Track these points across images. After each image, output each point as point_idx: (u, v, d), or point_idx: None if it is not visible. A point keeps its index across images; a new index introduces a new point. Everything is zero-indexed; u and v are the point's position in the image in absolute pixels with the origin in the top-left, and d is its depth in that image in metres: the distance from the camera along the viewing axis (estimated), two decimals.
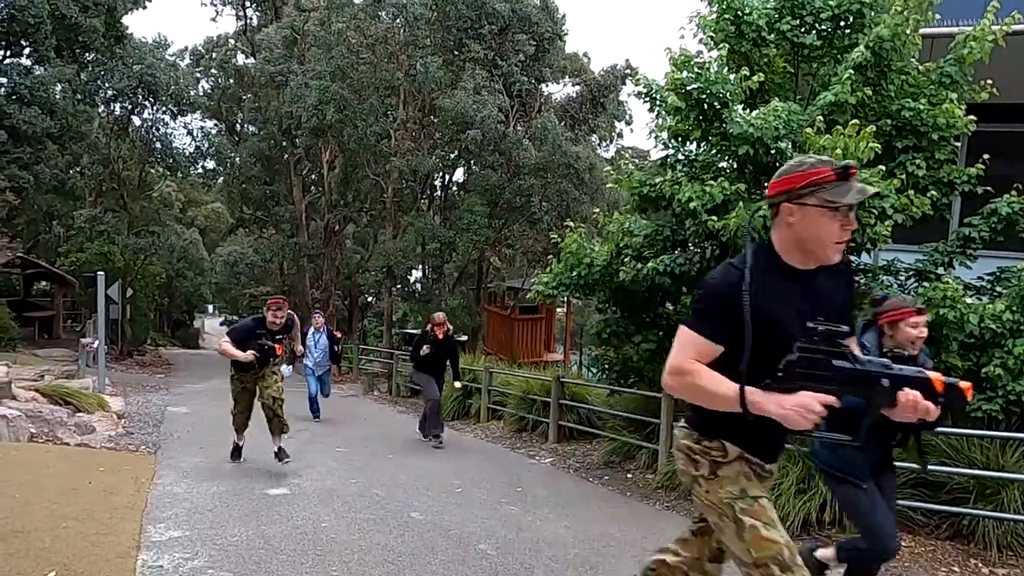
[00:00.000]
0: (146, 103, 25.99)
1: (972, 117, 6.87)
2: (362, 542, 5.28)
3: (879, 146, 6.06)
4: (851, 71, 6.46)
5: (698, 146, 7.64)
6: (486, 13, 20.95)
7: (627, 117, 28.82)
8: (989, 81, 7.06)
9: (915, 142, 6.91)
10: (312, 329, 12.08)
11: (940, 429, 6.13)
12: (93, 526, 5.17)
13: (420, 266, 24.92)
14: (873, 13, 7.02)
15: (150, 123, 27.00)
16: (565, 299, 10.25)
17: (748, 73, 6.82)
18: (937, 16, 7.18)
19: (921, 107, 6.81)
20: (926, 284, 7.00)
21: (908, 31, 6.62)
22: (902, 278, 7.48)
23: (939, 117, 6.73)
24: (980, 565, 5.33)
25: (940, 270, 7.27)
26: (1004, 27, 6.74)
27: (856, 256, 7.42)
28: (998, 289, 7.05)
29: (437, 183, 26.40)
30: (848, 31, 7.20)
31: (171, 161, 28.09)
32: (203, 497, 6.39)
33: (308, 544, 5.17)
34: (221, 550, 4.95)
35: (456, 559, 5.01)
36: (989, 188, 7.19)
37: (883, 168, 6.20)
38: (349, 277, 31.40)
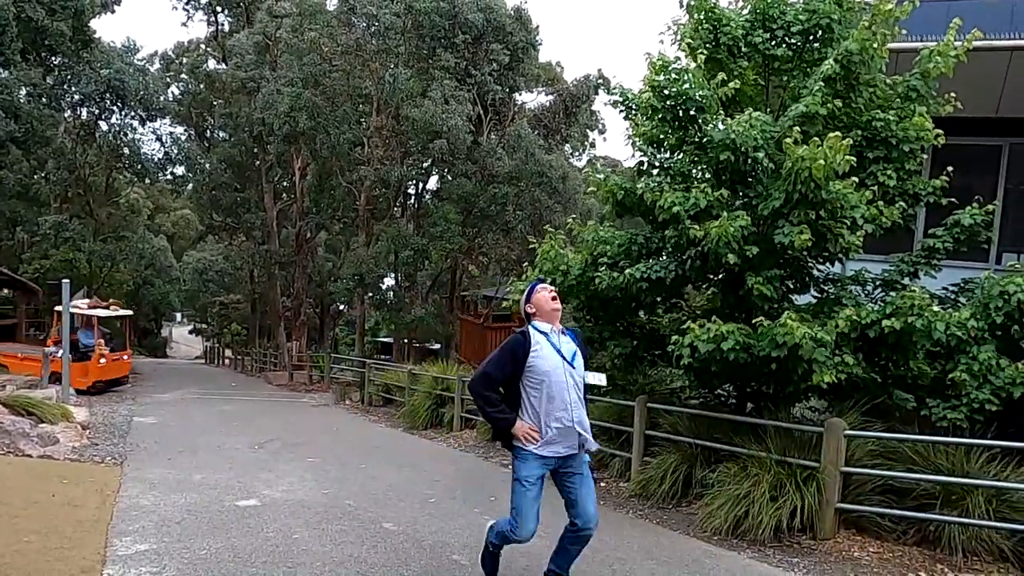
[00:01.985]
0: (114, 108, 25.60)
1: (939, 130, 7.04)
2: (334, 554, 5.22)
3: (854, 159, 6.17)
4: (821, 83, 6.58)
5: (672, 154, 7.71)
6: (459, 23, 20.98)
7: (600, 127, 29.14)
8: (953, 95, 7.24)
9: (885, 153, 7.05)
10: (548, 329, 4.29)
11: (906, 436, 6.26)
12: (56, 540, 5.05)
13: (392, 274, 24.81)
14: (841, 28, 7.16)
15: (118, 128, 26.58)
16: None
17: (725, 79, 6.90)
18: (903, 31, 7.35)
19: (890, 118, 6.96)
20: (893, 294, 7.13)
21: (876, 45, 6.76)
22: (869, 288, 7.62)
23: (909, 129, 6.89)
24: (946, 570, 5.42)
25: (906, 280, 7.42)
26: (966, 44, 6.92)
27: (828, 266, 7.55)
28: (961, 300, 7.21)
29: (411, 191, 26.34)
30: (817, 45, 7.34)
31: (139, 167, 27.68)
32: (171, 509, 6.27)
33: (279, 557, 5.09)
34: (189, 564, 4.86)
35: (430, 570, 4.98)
36: (953, 200, 7.36)
37: (855, 180, 6.32)
38: (321, 285, 31.19)
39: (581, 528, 4.24)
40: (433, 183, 25.99)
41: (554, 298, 4.31)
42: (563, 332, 4.30)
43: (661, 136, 7.45)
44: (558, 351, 4.16)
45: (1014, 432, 6.46)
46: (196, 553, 5.08)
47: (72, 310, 19.84)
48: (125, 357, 20.81)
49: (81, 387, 17.58)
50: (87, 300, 21.02)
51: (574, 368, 4.18)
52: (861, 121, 7.07)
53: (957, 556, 5.53)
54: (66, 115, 26.24)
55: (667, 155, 7.77)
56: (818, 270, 7.55)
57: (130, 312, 22.46)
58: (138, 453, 9.16)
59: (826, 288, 7.63)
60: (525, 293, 4.38)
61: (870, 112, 7.08)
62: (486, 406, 4.15)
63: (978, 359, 6.20)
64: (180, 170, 31.36)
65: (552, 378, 4.10)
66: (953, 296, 7.34)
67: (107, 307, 20.74)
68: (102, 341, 19.21)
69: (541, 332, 4.22)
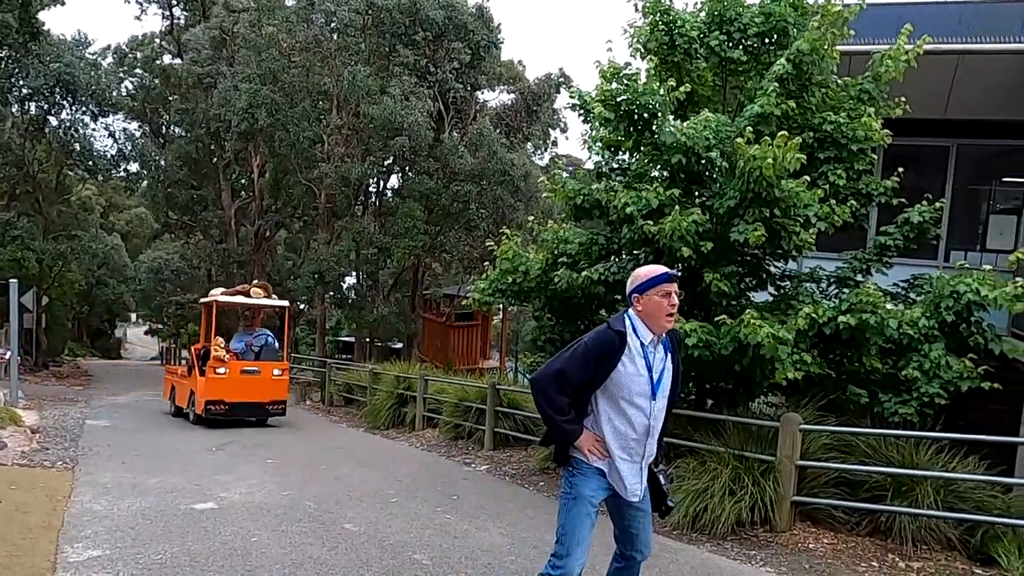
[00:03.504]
0: (64, 103, 24.85)
1: (887, 131, 7.22)
2: (293, 556, 5.15)
3: (804, 157, 6.30)
4: (775, 83, 6.71)
5: (630, 155, 7.79)
6: (420, 20, 20.86)
7: (562, 125, 29.15)
8: (903, 98, 7.43)
9: (836, 153, 7.22)
10: (648, 339, 3.37)
11: (859, 430, 6.42)
12: (4, 548, 4.90)
13: (354, 272, 24.57)
14: (797, 31, 7.31)
15: (68, 124, 25.80)
16: (501, 306, 10.26)
17: (675, 84, 7.00)
18: (853, 32, 7.53)
19: (841, 120, 7.13)
20: (846, 290, 7.30)
21: (827, 46, 6.92)
22: (824, 285, 7.79)
23: (858, 130, 7.06)
24: (897, 560, 5.57)
25: (859, 277, 7.61)
26: (917, 48, 7.11)
27: (783, 262, 7.70)
28: (912, 296, 7.42)
29: (372, 188, 26.11)
30: (773, 47, 7.47)
31: (91, 164, 26.91)
32: (125, 514, 6.13)
33: (237, 560, 5.02)
34: (144, 569, 4.75)
35: (391, 570, 4.95)
36: (903, 200, 7.57)
37: (807, 178, 6.45)
38: (280, 284, 30.74)
39: (638, 560, 3.59)
40: (395, 181, 25.82)
41: (674, 306, 3.31)
42: (660, 341, 3.38)
43: (618, 139, 7.52)
44: (649, 368, 3.31)
45: (962, 424, 6.68)
46: (151, 558, 4.97)
47: (204, 300, 14.17)
48: (276, 372, 12.88)
49: (199, 410, 12.40)
50: (220, 289, 14.46)
51: (659, 389, 3.35)
52: (813, 122, 7.23)
53: (907, 546, 5.69)
54: (13, 110, 25.39)
55: (625, 157, 7.85)
56: (774, 267, 7.70)
57: (285, 303, 14.21)
58: (91, 457, 8.93)
59: (783, 285, 7.78)
60: (641, 279, 3.34)
61: (822, 113, 7.25)
62: (552, 411, 3.30)
63: (929, 357, 6.37)
64: (134, 167, 30.58)
65: (632, 399, 3.31)
66: (904, 292, 7.55)
67: (246, 294, 13.33)
68: (220, 340, 12.66)
69: (639, 340, 3.32)
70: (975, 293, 6.29)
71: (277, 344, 13.42)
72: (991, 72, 9.04)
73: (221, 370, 12.32)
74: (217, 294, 13.62)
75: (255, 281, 14.47)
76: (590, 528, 3.36)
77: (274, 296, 14.01)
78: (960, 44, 8.86)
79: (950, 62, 8.95)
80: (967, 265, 6.92)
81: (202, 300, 14.47)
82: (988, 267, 6.63)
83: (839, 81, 7.53)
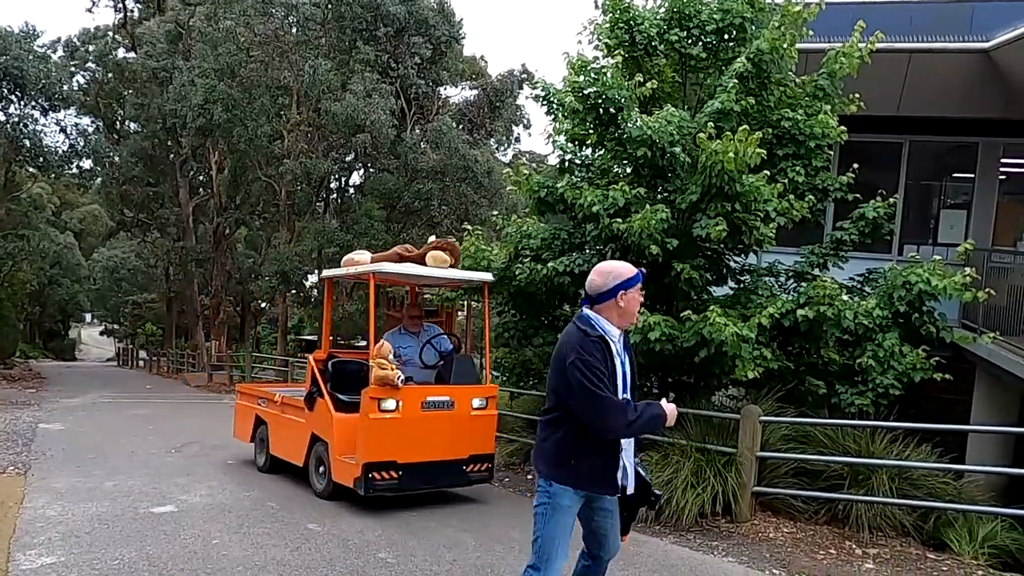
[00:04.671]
0: (12, 97, 24.08)
1: (843, 128, 7.38)
2: (256, 558, 5.08)
3: (764, 152, 6.41)
4: (735, 80, 6.80)
5: (594, 151, 7.83)
6: (381, 15, 20.69)
7: (525, 121, 29.22)
8: (857, 95, 7.59)
9: (794, 150, 7.36)
10: (617, 335, 3.27)
11: (817, 420, 6.56)
12: None
13: (317, 271, 24.32)
14: (754, 27, 7.42)
15: (17, 119, 25.04)
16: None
17: (642, 80, 7.06)
18: (811, 32, 7.67)
19: (799, 117, 7.26)
20: (804, 284, 7.45)
21: (786, 45, 7.04)
22: (782, 279, 7.93)
23: (815, 127, 7.19)
24: (854, 547, 5.70)
25: (816, 271, 7.77)
26: (870, 45, 7.29)
27: (743, 257, 7.82)
28: (866, 289, 7.60)
29: (333, 185, 25.84)
30: (732, 43, 7.57)
31: (42, 160, 26.15)
32: (80, 519, 5.98)
33: (198, 563, 4.93)
34: (100, 575, 4.65)
35: (356, 570, 4.91)
36: (859, 195, 7.74)
37: (767, 174, 6.56)
38: (241, 282, 30.32)
39: (605, 560, 3.56)
40: (356, 178, 25.61)
41: (640, 302, 3.29)
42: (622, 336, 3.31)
43: (582, 133, 7.56)
44: (623, 363, 3.26)
45: (915, 414, 6.86)
46: (107, 564, 4.86)
47: (339, 272, 7.38)
48: (476, 403, 6.79)
49: (343, 480, 6.60)
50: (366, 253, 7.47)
51: (627, 381, 3.28)
52: (772, 119, 7.35)
53: (864, 532, 5.83)
54: None
55: (589, 152, 7.89)
56: (734, 262, 7.82)
57: (488, 276, 7.26)
58: (44, 461, 8.69)
59: (742, 279, 7.90)
60: (626, 276, 3.21)
61: (780, 111, 7.37)
62: (636, 422, 3.12)
63: (883, 346, 6.55)
64: (87, 163, 29.83)
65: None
66: (859, 285, 7.73)
67: (419, 260, 6.85)
68: (388, 347, 6.51)
69: (611, 339, 3.21)
70: (926, 283, 6.48)
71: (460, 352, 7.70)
72: (940, 71, 9.28)
73: (390, 404, 6.35)
74: (366, 260, 7.12)
75: (433, 239, 7.43)
76: (569, 535, 3.30)
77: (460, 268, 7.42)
78: (911, 43, 9.09)
79: (902, 60, 9.16)
80: (919, 258, 7.11)
81: (327, 274, 8.03)
82: (938, 257, 6.83)
83: (797, 79, 7.67)
